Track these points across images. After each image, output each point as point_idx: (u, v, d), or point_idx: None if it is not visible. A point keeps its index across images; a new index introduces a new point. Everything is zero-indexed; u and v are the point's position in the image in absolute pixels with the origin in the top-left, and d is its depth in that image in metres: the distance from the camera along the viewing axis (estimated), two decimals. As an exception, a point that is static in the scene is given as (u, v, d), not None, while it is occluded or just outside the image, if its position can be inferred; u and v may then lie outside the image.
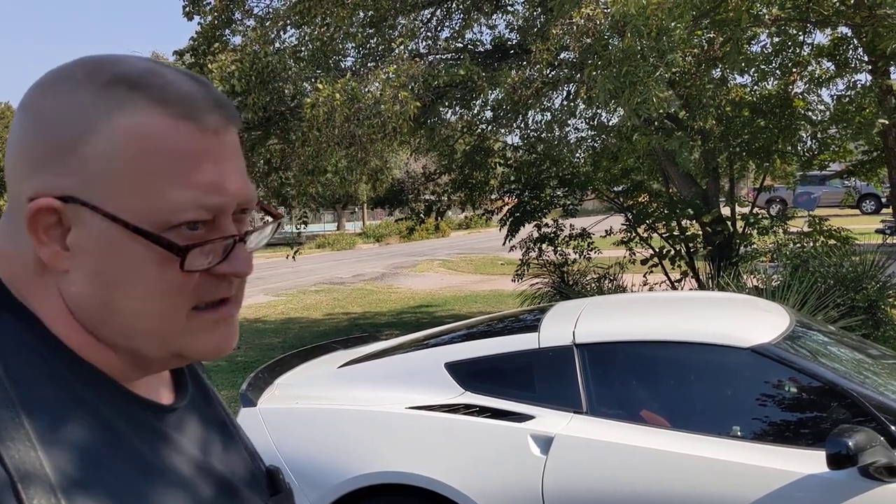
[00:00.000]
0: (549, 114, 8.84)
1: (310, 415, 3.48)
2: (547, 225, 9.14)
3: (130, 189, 0.69)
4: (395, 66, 6.70)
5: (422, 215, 10.49)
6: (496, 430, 3.21)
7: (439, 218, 10.52)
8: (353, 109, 6.31)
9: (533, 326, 3.65)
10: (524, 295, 9.51)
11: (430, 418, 3.29)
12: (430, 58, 7.60)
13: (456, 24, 8.52)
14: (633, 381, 3.46)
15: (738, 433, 3.11)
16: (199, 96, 0.72)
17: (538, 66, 7.37)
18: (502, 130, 9.88)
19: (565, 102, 8.48)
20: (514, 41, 8.31)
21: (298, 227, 10.13)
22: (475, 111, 8.19)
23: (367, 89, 6.56)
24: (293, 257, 9.78)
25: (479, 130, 10.09)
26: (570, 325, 3.48)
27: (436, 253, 31.76)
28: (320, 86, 6.14)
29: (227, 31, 7.90)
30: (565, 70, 7.73)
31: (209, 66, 6.46)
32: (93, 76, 0.71)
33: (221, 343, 0.78)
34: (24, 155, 0.71)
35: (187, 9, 7.43)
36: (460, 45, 8.10)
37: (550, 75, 8.06)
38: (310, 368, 4.09)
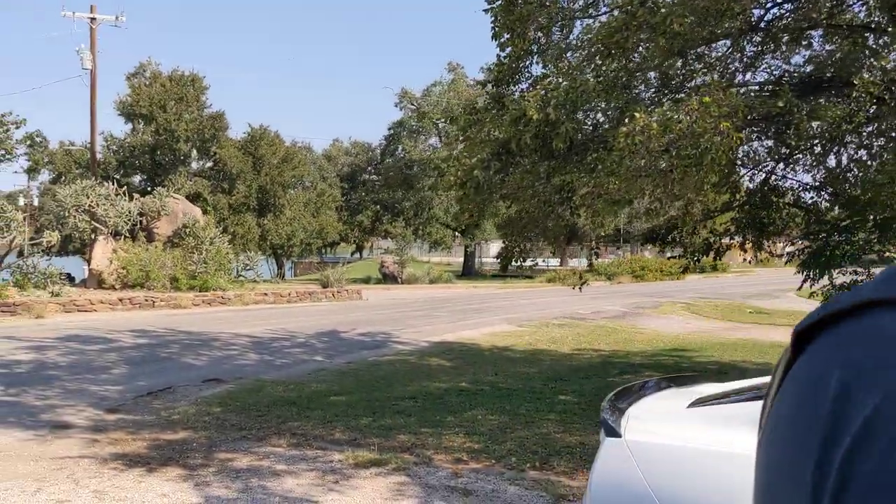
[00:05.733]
0: (863, 151, 8.09)
1: (685, 454, 3.28)
2: (855, 272, 8.33)
3: None
4: (708, 97, 6.42)
5: (698, 254, 10.03)
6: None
7: (718, 258, 9.99)
8: (667, 139, 6.11)
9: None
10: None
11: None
12: (742, 89, 7.23)
13: (767, 54, 8.07)
14: None
15: None
16: None
17: (860, 99, 6.78)
18: (798, 168, 9.21)
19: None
20: (831, 73, 7.71)
21: (544, 260, 10.10)
22: (793, 143, 7.64)
23: (678, 118, 6.34)
24: (579, 288, 9.78)
25: (769, 167, 9.48)
26: None
27: (675, 295, 30.53)
28: (637, 114, 6.01)
29: (528, 63, 8.04)
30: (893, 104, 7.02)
31: (526, 95, 6.59)
32: None
33: None
34: None
35: (496, 30, 7.50)
36: (771, 75, 7.66)
37: (871, 111, 7.38)
38: (654, 403, 3.90)
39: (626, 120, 6.33)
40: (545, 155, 6.70)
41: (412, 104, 46.86)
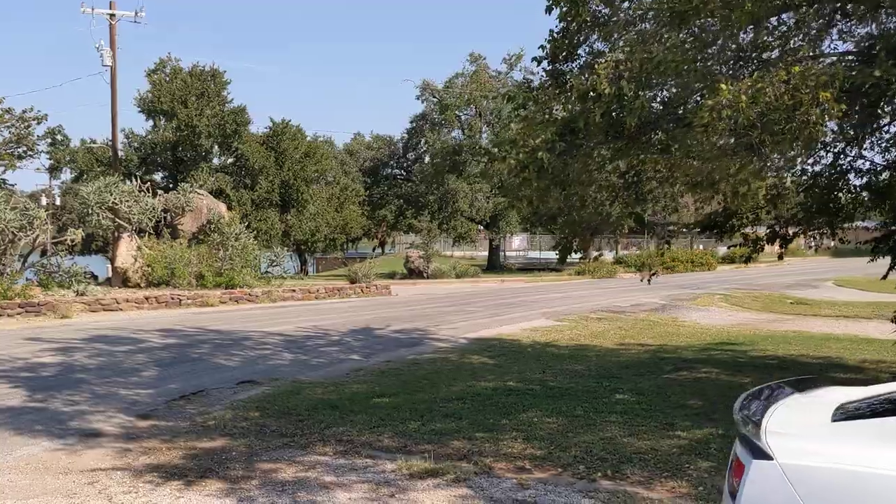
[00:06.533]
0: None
1: (860, 482, 2.68)
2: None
3: None
4: (798, 67, 5.78)
5: (762, 243, 9.37)
6: None
7: (784, 247, 9.32)
8: (756, 113, 5.48)
9: None
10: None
11: None
12: (828, 60, 6.58)
13: (836, 23, 7.39)
14: None
15: None
16: None
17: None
18: (873, 147, 8.52)
19: None
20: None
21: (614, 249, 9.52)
22: (888, 116, 6.93)
23: (765, 90, 5.70)
24: (648, 280, 9.17)
25: (838, 147, 8.80)
26: None
27: (710, 287, 29.79)
28: (723, 86, 5.39)
29: (581, 37, 7.42)
30: None
31: (596, 67, 5.97)
32: None
33: None
34: None
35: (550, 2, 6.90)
36: (859, 45, 6.97)
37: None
38: (790, 414, 3.29)
39: (706, 93, 5.71)
40: (613, 135, 6.09)
41: (434, 96, 46.17)
